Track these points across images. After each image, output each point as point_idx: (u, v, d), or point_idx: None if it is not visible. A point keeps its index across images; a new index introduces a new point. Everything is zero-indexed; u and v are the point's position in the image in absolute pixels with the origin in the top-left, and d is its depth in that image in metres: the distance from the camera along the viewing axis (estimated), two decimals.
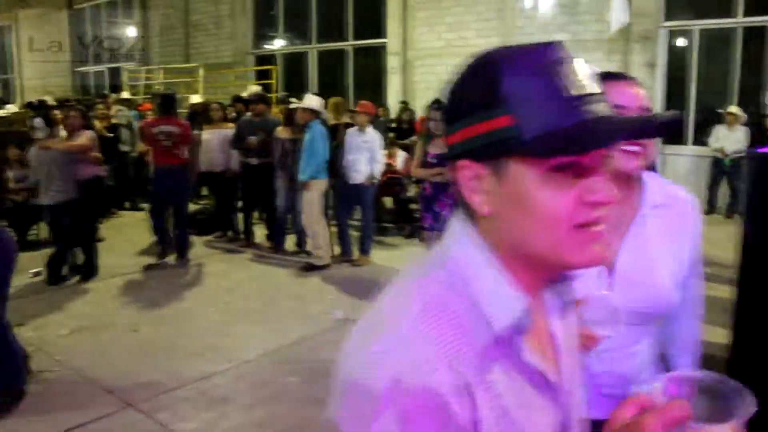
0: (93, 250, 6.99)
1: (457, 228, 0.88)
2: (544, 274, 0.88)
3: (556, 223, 0.79)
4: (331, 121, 7.58)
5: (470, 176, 0.83)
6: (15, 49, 23.85)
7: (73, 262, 6.94)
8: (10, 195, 8.06)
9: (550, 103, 0.77)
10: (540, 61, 0.78)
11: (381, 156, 7.31)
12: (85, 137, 6.72)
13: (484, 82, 0.80)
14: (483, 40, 11.47)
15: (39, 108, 11.76)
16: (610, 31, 9.90)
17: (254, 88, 12.28)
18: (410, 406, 0.74)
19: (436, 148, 6.00)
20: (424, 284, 0.84)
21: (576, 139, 0.76)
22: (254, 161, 7.67)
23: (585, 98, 0.77)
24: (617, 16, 9.69)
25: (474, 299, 0.82)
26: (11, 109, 14.50)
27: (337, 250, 7.37)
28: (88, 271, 6.92)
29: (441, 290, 0.83)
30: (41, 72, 22.62)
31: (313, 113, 6.98)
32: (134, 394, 4.27)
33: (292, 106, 7.68)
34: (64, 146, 6.57)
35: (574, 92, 0.77)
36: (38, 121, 6.70)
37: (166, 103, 7.39)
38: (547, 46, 0.80)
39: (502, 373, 0.81)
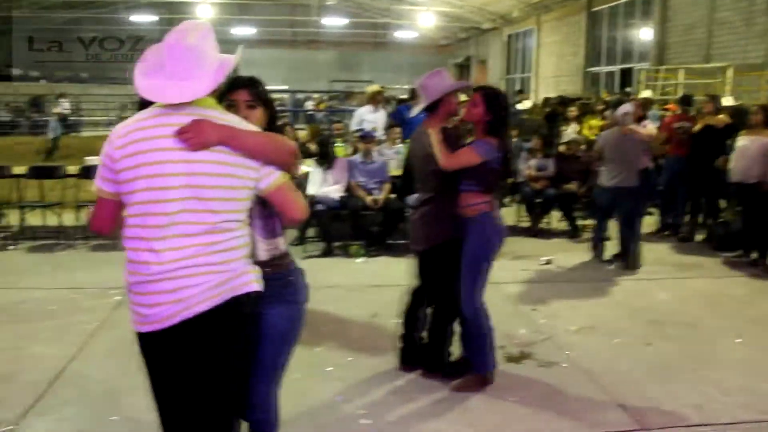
0: (637, 240, 7.00)
1: None
2: None
3: None
4: None
5: None
6: (534, 51, 25.56)
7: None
8: (530, 183, 8.36)
9: None
10: None
11: None
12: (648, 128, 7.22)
13: None
14: None
15: (560, 104, 12.19)
16: None
17: None
18: None
19: None
20: None
21: None
22: None
23: None
24: None
25: None
26: (527, 103, 15.48)
27: None
28: (632, 260, 6.92)
29: None
30: (554, 71, 23.79)
31: None
32: (649, 418, 3.81)
33: None
34: (642, 134, 6.92)
35: None
36: (627, 107, 6.87)
37: (683, 103, 8.84)
38: None
39: None
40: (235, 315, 2.23)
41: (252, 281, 2.28)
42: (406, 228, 7.55)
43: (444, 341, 4.29)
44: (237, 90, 2.53)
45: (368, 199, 7.32)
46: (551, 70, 24.13)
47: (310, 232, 7.76)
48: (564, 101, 12.54)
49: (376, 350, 4.70)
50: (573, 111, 11.33)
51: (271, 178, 2.27)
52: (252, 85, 2.58)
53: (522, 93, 18.33)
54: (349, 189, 7.44)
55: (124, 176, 2.14)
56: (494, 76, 29.36)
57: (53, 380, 4.15)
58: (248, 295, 2.25)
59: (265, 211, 2.48)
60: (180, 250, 2.13)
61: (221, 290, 2.19)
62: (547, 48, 24.63)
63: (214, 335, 2.22)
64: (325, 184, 7.39)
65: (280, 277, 2.55)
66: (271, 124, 2.60)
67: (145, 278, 2.15)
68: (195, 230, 2.15)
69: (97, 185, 2.24)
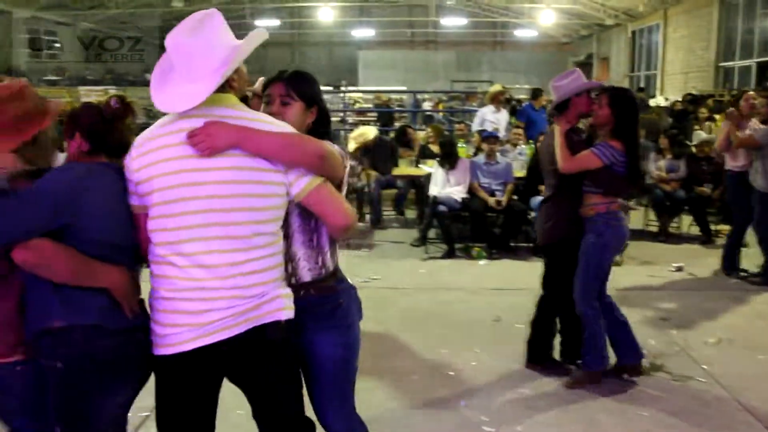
0: None
1: None
2: None
3: None
4: None
5: None
6: (660, 46, 24.41)
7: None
8: (660, 184, 7.99)
9: None
10: None
11: None
12: None
13: None
14: None
15: (690, 102, 11.60)
16: None
17: None
18: None
19: None
20: None
21: None
22: None
23: None
24: None
25: None
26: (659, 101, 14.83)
27: None
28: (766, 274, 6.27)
29: None
30: (681, 67, 22.63)
31: None
32: None
33: None
34: None
35: None
36: None
37: None
38: None
39: None
40: (259, 345, 2.03)
41: (283, 308, 2.06)
42: (529, 230, 7.43)
43: (548, 333, 4.37)
44: (274, 83, 2.29)
45: (491, 200, 7.21)
46: (678, 67, 22.94)
47: (432, 233, 7.74)
48: (695, 99, 11.92)
49: (499, 355, 4.60)
50: (704, 113, 10.78)
51: (302, 182, 2.03)
52: (290, 79, 2.28)
53: (642, 91, 17.62)
54: (471, 190, 7.36)
55: (142, 189, 2.00)
56: (617, 74, 28.31)
57: None
58: (276, 323, 2.04)
59: (308, 225, 2.24)
60: (205, 269, 1.96)
61: (247, 317, 1.99)
62: (674, 43, 23.44)
63: (233, 366, 2.08)
64: (447, 185, 7.36)
65: (327, 301, 2.30)
66: (319, 125, 2.32)
67: (168, 294, 2.00)
68: (221, 246, 1.96)
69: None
